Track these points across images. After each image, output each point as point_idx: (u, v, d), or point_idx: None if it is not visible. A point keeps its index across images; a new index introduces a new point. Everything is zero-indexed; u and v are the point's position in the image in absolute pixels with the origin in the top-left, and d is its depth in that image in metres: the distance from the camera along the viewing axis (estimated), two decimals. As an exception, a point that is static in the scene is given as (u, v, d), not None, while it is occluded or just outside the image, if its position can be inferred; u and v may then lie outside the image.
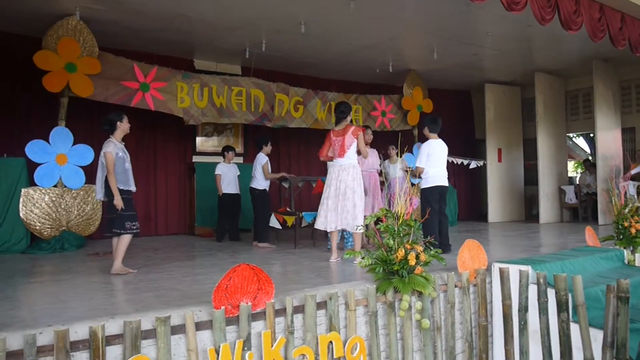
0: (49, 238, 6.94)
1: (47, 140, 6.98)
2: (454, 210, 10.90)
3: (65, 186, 7.12)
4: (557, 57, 10.40)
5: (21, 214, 6.79)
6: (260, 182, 7.57)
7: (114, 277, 4.84)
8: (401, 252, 3.62)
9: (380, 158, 7.71)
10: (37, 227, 6.89)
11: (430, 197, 6.20)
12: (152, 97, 8.16)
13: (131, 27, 7.82)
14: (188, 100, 8.59)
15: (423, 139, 6.72)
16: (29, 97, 7.83)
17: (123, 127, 5.24)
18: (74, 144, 7.19)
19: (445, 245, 5.97)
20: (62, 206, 7.07)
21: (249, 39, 8.56)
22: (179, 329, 2.90)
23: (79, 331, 2.70)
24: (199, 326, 2.95)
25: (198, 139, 9.86)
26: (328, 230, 5.75)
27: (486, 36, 8.82)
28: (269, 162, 7.60)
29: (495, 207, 11.65)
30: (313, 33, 8.20)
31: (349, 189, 5.60)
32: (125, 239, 5.09)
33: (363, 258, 3.72)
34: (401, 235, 3.72)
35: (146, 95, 8.10)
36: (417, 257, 3.66)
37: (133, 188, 5.23)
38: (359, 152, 5.82)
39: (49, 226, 6.96)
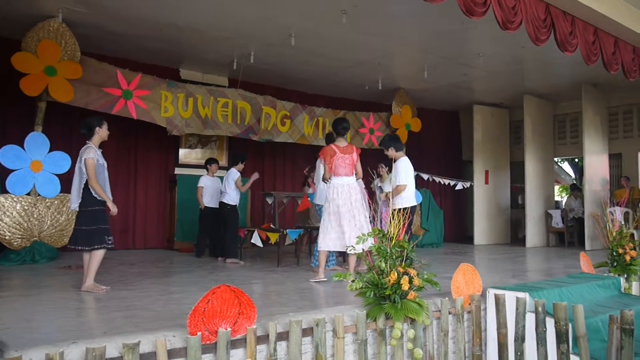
0: (19, 249, 6.58)
1: (22, 146, 6.67)
2: (440, 232, 10.71)
3: (39, 194, 6.78)
4: (546, 81, 10.39)
5: (-10, 223, 6.44)
6: (233, 198, 7.39)
7: (84, 294, 4.51)
8: (394, 276, 3.38)
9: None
10: (7, 237, 6.52)
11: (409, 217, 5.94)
12: (134, 105, 7.89)
13: (116, 32, 7.57)
14: (172, 110, 8.33)
15: (388, 161, 6.37)
16: (4, 101, 7.51)
17: (102, 133, 4.92)
18: (50, 150, 6.88)
19: None
20: (35, 215, 6.73)
21: (237, 50, 8.35)
22: (149, 357, 2.61)
23: (33, 357, 2.40)
24: (171, 354, 2.66)
25: (181, 151, 9.58)
26: (338, 250, 5.61)
27: (478, 56, 8.73)
28: (240, 177, 7.43)
29: (481, 229, 11.50)
30: (303, 46, 8.04)
31: (361, 209, 5.43)
32: (99, 254, 4.74)
33: (353, 281, 3.47)
34: (394, 257, 3.49)
35: (129, 103, 7.83)
36: (411, 281, 3.42)
37: (110, 199, 4.92)
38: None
39: (19, 236, 6.60)
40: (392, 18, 7.12)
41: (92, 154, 4.73)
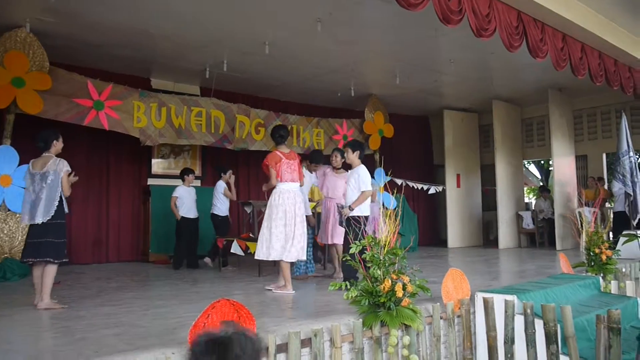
0: (-12, 266, 6.34)
1: (-10, 160, 6.44)
2: (415, 236, 10.80)
3: (8, 210, 6.57)
4: (514, 86, 10.63)
5: (-43, 240, 6.19)
6: (222, 209, 7.60)
7: (64, 312, 4.37)
8: (387, 283, 3.39)
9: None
10: (-24, 255, 6.29)
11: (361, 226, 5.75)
12: (106, 116, 7.73)
13: (86, 41, 7.39)
14: (145, 120, 8.19)
15: (345, 165, 6.23)
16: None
17: (58, 146, 4.85)
18: (20, 164, 6.66)
19: None
20: (5, 231, 6.51)
21: (210, 58, 8.27)
22: (150, 375, 2.55)
23: (32, 382, 2.31)
24: (172, 371, 2.61)
25: (154, 161, 9.39)
26: (291, 261, 5.40)
27: (449, 63, 8.88)
28: (226, 187, 7.65)
29: (455, 232, 11.66)
30: (277, 55, 8.02)
31: (302, 217, 5.45)
32: (55, 268, 4.60)
33: (348, 289, 3.46)
34: (387, 264, 3.50)
35: (100, 113, 7.67)
36: (404, 287, 3.44)
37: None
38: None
39: (-11, 253, 6.37)
40: (365, 26, 7.18)
41: (68, 167, 4.71)
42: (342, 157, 6.62)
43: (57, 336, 3.44)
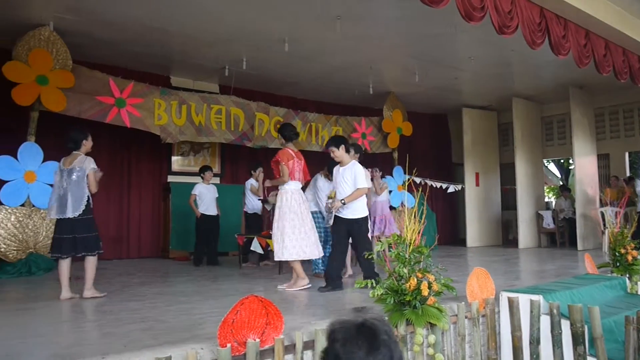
0: (14, 261, 6.44)
1: (15, 157, 6.55)
2: (433, 235, 10.76)
3: (33, 205, 6.66)
4: (534, 83, 10.52)
5: (-16, 235, 6.30)
6: (249, 206, 7.84)
7: (91, 306, 4.43)
8: (413, 282, 3.38)
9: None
10: (2, 249, 6.39)
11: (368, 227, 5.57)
12: (128, 114, 7.80)
13: (107, 40, 7.47)
14: (166, 118, 8.25)
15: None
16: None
17: (88, 145, 5.06)
18: (44, 160, 6.75)
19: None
20: (30, 227, 6.60)
21: (229, 56, 8.30)
22: (179, 371, 2.56)
23: (66, 375, 2.34)
24: (201, 367, 2.63)
25: (174, 158, 9.48)
26: (307, 258, 5.46)
27: (468, 60, 8.82)
28: (253, 184, 7.69)
29: (474, 231, 11.58)
30: (296, 52, 8.01)
31: (309, 212, 5.50)
32: (94, 259, 4.87)
33: (374, 288, 3.45)
34: (412, 263, 3.48)
35: (122, 111, 7.74)
36: (430, 286, 3.42)
37: None
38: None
39: (14, 248, 6.46)
40: (384, 23, 7.15)
41: (95, 165, 4.89)
42: (356, 152, 6.60)
43: (85, 330, 3.48)
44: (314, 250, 5.41)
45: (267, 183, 5.68)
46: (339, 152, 5.42)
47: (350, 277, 6.29)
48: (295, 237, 5.30)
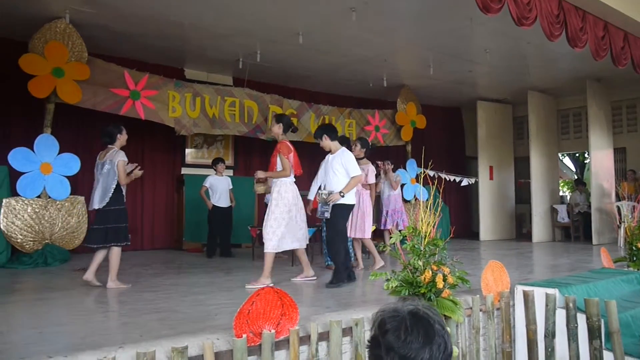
0: (31, 252, 6.52)
1: (32, 148, 6.60)
2: (446, 228, 10.71)
3: (49, 197, 6.72)
4: (550, 76, 10.39)
5: (2, 226, 6.36)
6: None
7: (108, 296, 4.48)
8: (428, 274, 3.37)
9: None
10: (19, 240, 6.46)
11: (348, 216, 5.47)
12: (142, 106, 7.84)
13: (122, 32, 7.50)
14: (180, 110, 8.28)
15: (322, 152, 5.84)
16: (13, 103, 7.42)
17: (122, 139, 5.26)
18: (60, 152, 6.81)
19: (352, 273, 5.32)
20: (46, 218, 6.67)
21: (243, 48, 8.30)
22: (196, 360, 2.58)
23: (85, 363, 2.37)
24: (218, 357, 2.64)
25: (187, 150, 9.53)
26: (302, 247, 5.36)
27: (483, 53, 8.73)
28: None
29: (487, 225, 11.51)
30: (310, 44, 8.00)
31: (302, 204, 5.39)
32: (118, 250, 5.04)
33: (388, 280, 3.45)
34: (427, 255, 3.47)
35: (136, 103, 7.77)
36: (445, 279, 3.41)
37: None
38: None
39: (31, 239, 6.54)
40: (399, 15, 7.09)
41: (123, 157, 5.06)
42: (362, 146, 6.58)
43: (102, 320, 3.52)
44: (305, 237, 5.37)
45: (261, 174, 5.37)
46: (326, 142, 5.39)
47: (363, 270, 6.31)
48: (289, 228, 5.18)
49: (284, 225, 5.15)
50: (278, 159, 5.28)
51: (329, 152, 5.46)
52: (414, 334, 1.22)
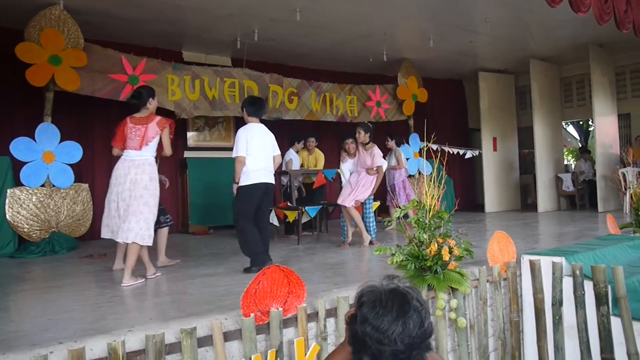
0: (38, 240, 6.56)
1: (33, 138, 6.60)
2: (451, 201, 10.70)
3: (53, 185, 6.74)
4: (552, 44, 10.24)
5: (8, 216, 6.40)
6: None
7: (116, 281, 4.50)
8: (434, 247, 3.37)
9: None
10: (25, 230, 6.50)
11: (248, 199, 4.77)
12: (141, 90, 7.77)
13: (117, 16, 7.41)
14: (179, 93, 8.23)
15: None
16: (11, 92, 7.38)
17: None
18: (61, 140, 6.80)
19: (264, 258, 4.68)
20: (51, 206, 6.69)
21: (240, 28, 8.21)
22: (205, 341, 2.60)
23: (94, 348, 2.39)
24: (227, 336, 2.66)
25: (189, 134, 9.49)
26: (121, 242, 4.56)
27: (484, 22, 8.60)
28: (292, 160, 7.95)
29: (492, 197, 11.49)
30: (308, 21, 7.89)
31: (146, 190, 4.56)
32: (165, 231, 5.53)
33: (394, 254, 3.45)
34: (432, 228, 3.47)
35: (135, 88, 7.71)
36: (451, 251, 3.41)
37: None
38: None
39: (37, 228, 6.57)
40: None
41: None
42: (366, 132, 6.53)
43: (111, 304, 3.54)
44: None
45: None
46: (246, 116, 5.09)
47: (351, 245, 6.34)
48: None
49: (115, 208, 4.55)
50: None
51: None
52: (387, 307, 1.26)
